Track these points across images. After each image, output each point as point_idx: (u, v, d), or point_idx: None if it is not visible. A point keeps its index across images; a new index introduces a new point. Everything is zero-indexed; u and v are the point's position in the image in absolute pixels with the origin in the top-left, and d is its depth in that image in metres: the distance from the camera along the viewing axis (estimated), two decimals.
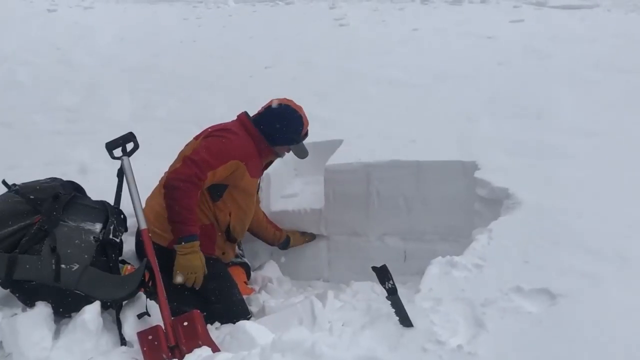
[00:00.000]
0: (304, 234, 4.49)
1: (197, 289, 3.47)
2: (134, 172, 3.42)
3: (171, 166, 3.68)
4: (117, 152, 3.50)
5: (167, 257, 3.42)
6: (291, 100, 3.90)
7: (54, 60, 8.19)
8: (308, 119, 3.89)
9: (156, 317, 3.03)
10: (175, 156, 3.72)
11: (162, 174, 3.78)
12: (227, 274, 3.80)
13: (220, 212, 3.74)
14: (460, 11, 9.97)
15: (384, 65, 6.91)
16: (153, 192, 3.82)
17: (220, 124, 3.87)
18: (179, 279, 3.37)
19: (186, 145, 3.80)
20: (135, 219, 3.35)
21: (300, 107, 3.88)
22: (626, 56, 6.47)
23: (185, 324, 2.94)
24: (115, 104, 6.27)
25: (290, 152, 4.00)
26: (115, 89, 6.77)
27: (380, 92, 5.99)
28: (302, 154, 4.02)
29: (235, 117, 3.90)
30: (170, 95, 6.42)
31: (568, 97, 5.28)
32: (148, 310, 3.05)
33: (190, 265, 3.40)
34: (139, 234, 3.52)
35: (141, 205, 3.33)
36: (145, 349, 2.87)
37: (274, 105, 3.85)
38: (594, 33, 7.68)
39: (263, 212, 4.35)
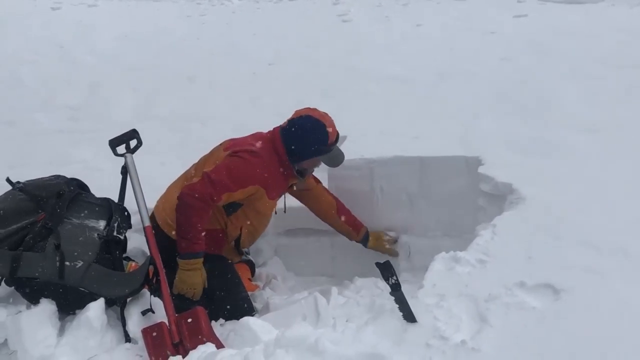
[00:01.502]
0: (387, 237, 4.30)
1: (195, 300, 3.45)
2: (137, 169, 3.43)
3: (191, 173, 3.69)
4: (121, 149, 3.50)
5: (173, 250, 3.46)
6: (314, 109, 3.71)
7: (57, 59, 8.18)
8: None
9: (160, 314, 3.04)
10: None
11: (189, 166, 3.78)
12: (233, 271, 3.80)
13: (232, 224, 3.73)
14: (464, 7, 9.94)
15: (388, 62, 6.89)
16: (176, 182, 3.79)
17: (251, 137, 3.77)
18: (176, 291, 3.39)
19: (212, 151, 3.77)
20: (136, 218, 3.37)
21: (323, 115, 3.68)
22: (630, 51, 6.44)
23: (189, 320, 2.95)
24: (118, 102, 6.27)
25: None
26: (117, 87, 6.77)
27: (384, 88, 5.98)
28: (334, 162, 3.83)
29: (269, 128, 3.81)
30: (173, 93, 6.41)
31: (572, 92, 5.26)
32: (152, 307, 3.05)
33: (191, 282, 3.42)
34: (154, 219, 3.59)
35: (145, 203, 3.33)
36: (149, 345, 2.88)
37: (296, 117, 3.69)
38: (598, 28, 7.64)
39: (336, 201, 4.19)
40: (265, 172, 3.58)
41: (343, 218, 4.16)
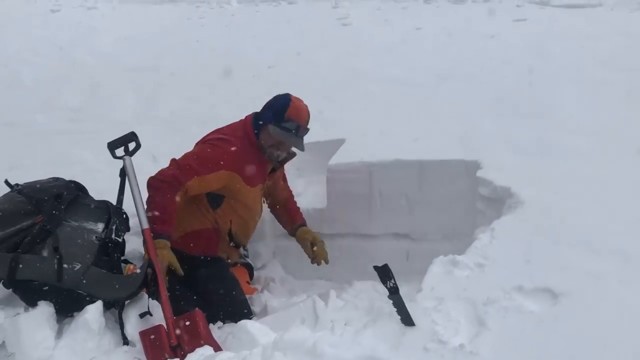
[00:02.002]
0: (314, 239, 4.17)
1: (178, 274, 3.34)
2: (136, 171, 3.43)
3: None
4: (119, 151, 3.49)
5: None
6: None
7: (57, 60, 8.17)
8: (311, 117, 3.77)
9: (158, 317, 3.03)
10: (176, 155, 3.70)
11: None
12: (230, 274, 3.81)
13: (221, 219, 3.74)
14: (463, 10, 9.95)
15: (387, 65, 6.89)
16: None
17: (223, 128, 3.80)
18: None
19: None
20: (135, 220, 3.36)
21: (298, 99, 3.73)
22: (630, 55, 6.44)
23: (187, 323, 2.95)
24: (118, 104, 6.27)
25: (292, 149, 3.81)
26: (118, 89, 6.76)
27: (383, 92, 5.97)
28: (289, 138, 3.69)
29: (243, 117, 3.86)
30: (173, 95, 6.41)
31: (571, 95, 5.26)
32: (150, 310, 3.05)
33: (160, 260, 3.21)
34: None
35: (143, 205, 3.32)
36: (147, 348, 2.87)
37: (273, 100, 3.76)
38: (597, 32, 7.65)
39: (290, 198, 4.26)
40: (235, 156, 3.57)
41: (287, 207, 4.21)
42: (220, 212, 3.72)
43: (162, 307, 3.04)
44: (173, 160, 3.50)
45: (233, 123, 3.84)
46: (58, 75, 7.40)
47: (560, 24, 8.43)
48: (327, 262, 4.06)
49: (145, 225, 3.24)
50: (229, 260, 3.93)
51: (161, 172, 3.44)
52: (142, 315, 3.02)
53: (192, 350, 2.80)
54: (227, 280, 3.71)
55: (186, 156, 3.54)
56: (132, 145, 3.51)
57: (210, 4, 12.18)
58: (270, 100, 3.75)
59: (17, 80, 7.20)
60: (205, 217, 3.68)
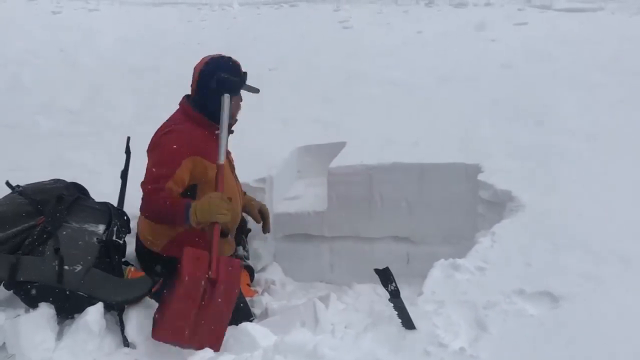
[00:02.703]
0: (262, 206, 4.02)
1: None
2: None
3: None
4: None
5: (162, 263, 3.45)
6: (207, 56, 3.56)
7: (58, 62, 8.19)
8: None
9: None
10: None
11: None
12: None
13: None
14: (465, 14, 9.97)
15: (388, 68, 6.90)
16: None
17: (161, 126, 3.56)
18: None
19: None
20: (136, 222, 3.39)
21: (216, 55, 3.55)
22: (630, 59, 6.46)
23: (230, 268, 3.02)
24: (119, 106, 6.27)
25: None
26: (118, 91, 6.77)
27: (384, 95, 5.98)
28: (250, 90, 3.59)
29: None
30: (173, 98, 6.34)
31: (571, 99, 5.28)
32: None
33: (210, 210, 3.13)
34: (138, 239, 3.57)
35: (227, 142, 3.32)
36: (188, 264, 2.90)
37: (203, 68, 3.50)
38: (598, 36, 7.67)
39: None
40: (188, 140, 3.38)
41: None
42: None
43: (211, 246, 3.04)
44: (142, 185, 3.32)
45: (170, 118, 3.63)
46: (59, 77, 7.42)
47: (561, 27, 8.46)
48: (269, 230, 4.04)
49: (222, 161, 3.27)
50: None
51: (144, 202, 3.29)
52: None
53: (221, 294, 2.93)
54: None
55: (148, 172, 3.34)
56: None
57: (212, 6, 12.22)
58: (201, 83, 3.48)
59: (18, 81, 7.21)
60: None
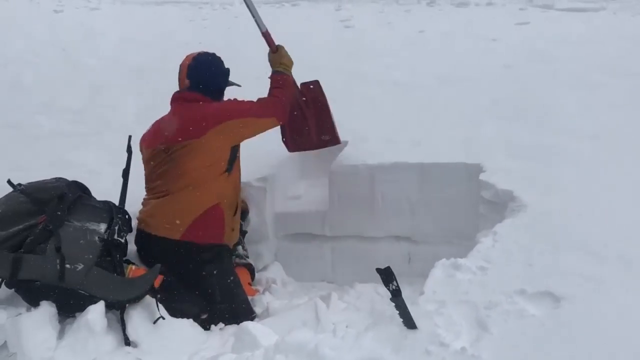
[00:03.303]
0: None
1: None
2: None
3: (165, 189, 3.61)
4: None
5: (177, 250, 3.48)
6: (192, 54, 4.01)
7: (59, 62, 8.19)
8: None
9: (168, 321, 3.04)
10: None
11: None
12: (233, 272, 3.80)
13: (231, 183, 3.72)
14: (466, 13, 9.96)
15: (389, 67, 6.89)
16: (161, 202, 3.63)
17: (196, 111, 3.74)
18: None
19: (153, 163, 3.66)
20: (136, 221, 3.40)
21: (201, 54, 4.05)
22: (632, 59, 6.45)
23: (311, 87, 4.18)
24: (120, 106, 6.27)
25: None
26: (120, 91, 6.77)
27: (385, 94, 5.98)
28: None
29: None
30: None
31: (573, 99, 5.26)
32: (161, 314, 3.04)
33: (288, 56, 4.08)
34: (138, 240, 3.60)
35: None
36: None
37: (191, 63, 3.93)
38: (599, 36, 7.66)
39: None
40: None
41: None
42: (230, 178, 3.70)
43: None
44: (266, 108, 3.80)
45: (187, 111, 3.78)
46: (60, 77, 7.41)
47: (563, 27, 8.45)
48: None
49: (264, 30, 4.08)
50: (230, 241, 3.88)
51: (280, 103, 3.87)
52: (155, 322, 3.01)
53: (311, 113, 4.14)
54: (230, 280, 3.71)
55: (250, 106, 3.77)
56: None
57: (213, 6, 12.23)
58: (206, 70, 3.92)
59: (19, 81, 7.21)
60: (211, 193, 3.60)
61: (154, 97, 6.40)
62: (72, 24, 10.43)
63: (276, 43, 4.06)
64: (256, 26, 4.06)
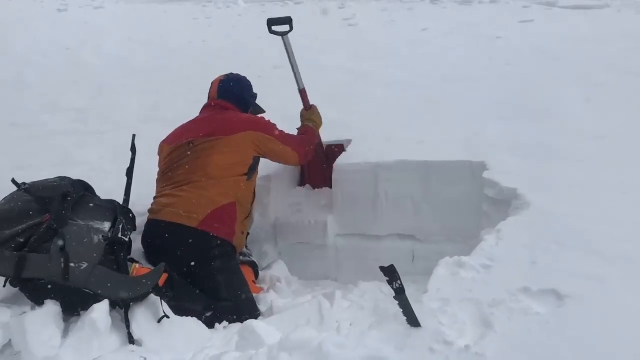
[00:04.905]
0: None
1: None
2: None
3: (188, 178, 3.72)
4: (279, 28, 4.20)
5: (192, 239, 3.52)
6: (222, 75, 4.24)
7: (63, 61, 8.20)
8: None
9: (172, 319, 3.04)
10: None
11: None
12: (239, 270, 3.82)
13: (247, 190, 3.85)
14: (470, 12, 9.93)
15: (393, 66, 6.88)
16: (180, 190, 3.72)
17: (234, 117, 3.99)
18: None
19: (186, 159, 3.78)
20: (142, 219, 3.39)
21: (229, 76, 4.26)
22: (636, 57, 6.42)
23: None
24: (124, 105, 6.28)
25: None
26: (123, 90, 6.78)
27: (389, 93, 5.97)
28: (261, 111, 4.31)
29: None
30: (178, 96, 6.41)
31: (577, 98, 5.25)
32: (165, 312, 3.03)
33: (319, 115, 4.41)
34: (148, 230, 3.64)
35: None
36: None
37: (223, 78, 4.19)
38: (604, 34, 7.63)
39: None
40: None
41: None
42: (249, 183, 3.86)
43: None
44: (291, 144, 4.03)
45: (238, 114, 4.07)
46: (64, 76, 7.43)
47: (567, 25, 8.41)
48: None
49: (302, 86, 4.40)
50: (239, 243, 3.92)
51: (303, 148, 4.13)
52: (159, 320, 3.01)
53: None
54: (236, 276, 3.72)
55: (280, 134, 4.01)
56: (285, 28, 4.23)
57: (217, 4, 12.22)
58: (239, 87, 4.20)
59: (23, 80, 7.23)
60: (228, 192, 3.71)
61: (157, 96, 6.44)
62: (76, 23, 10.44)
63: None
64: (295, 82, 4.39)
